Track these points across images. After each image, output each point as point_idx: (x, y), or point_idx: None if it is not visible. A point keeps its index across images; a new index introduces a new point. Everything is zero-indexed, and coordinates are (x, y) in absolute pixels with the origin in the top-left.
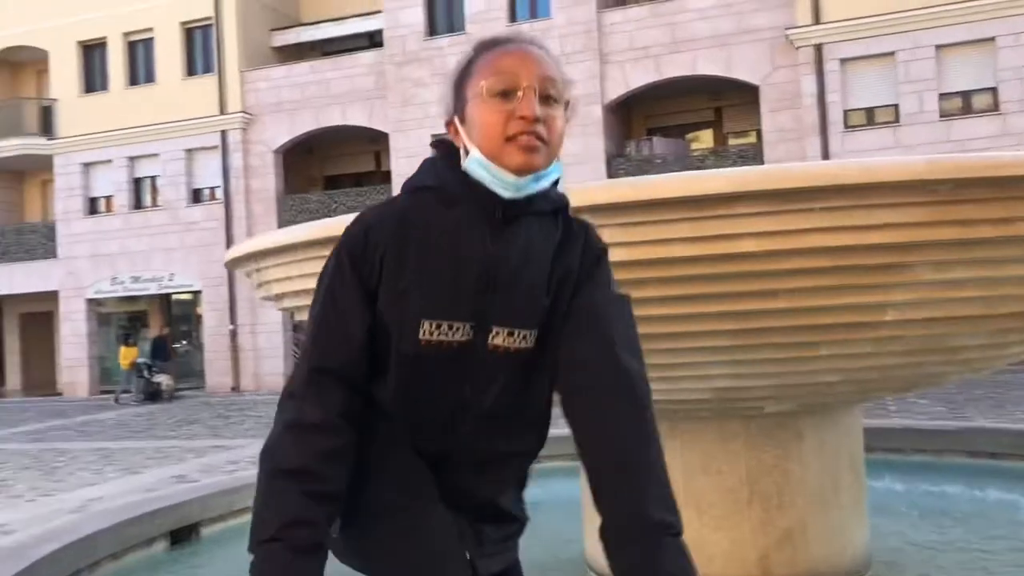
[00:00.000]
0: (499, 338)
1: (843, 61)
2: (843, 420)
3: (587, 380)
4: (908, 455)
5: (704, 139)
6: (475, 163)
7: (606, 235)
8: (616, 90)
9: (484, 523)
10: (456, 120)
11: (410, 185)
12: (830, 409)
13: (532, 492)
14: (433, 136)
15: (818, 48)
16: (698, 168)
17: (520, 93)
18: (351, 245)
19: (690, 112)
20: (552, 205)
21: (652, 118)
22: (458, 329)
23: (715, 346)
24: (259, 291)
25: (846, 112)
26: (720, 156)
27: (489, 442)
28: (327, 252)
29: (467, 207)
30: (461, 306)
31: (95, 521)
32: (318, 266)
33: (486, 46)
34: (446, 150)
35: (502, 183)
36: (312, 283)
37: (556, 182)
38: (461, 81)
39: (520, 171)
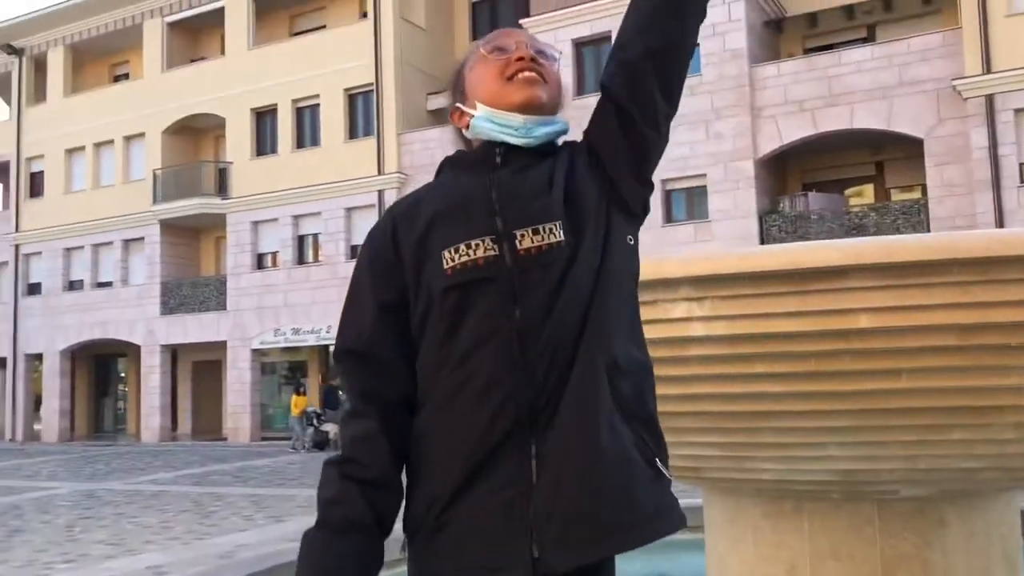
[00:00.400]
0: (526, 240)
1: (1018, 111)
2: (996, 506)
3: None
4: None
5: (866, 194)
6: (480, 118)
7: (707, 307)
8: (769, 145)
9: (585, 500)
10: (458, 104)
11: (434, 176)
12: (979, 495)
13: (657, 565)
14: None
15: (989, 98)
16: (857, 225)
17: (514, 46)
18: (367, 237)
19: (849, 166)
20: (553, 147)
21: (808, 172)
22: (478, 245)
23: (834, 426)
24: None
25: (1022, 165)
26: (881, 212)
27: (563, 370)
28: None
29: (474, 159)
30: (474, 225)
31: (233, 570)
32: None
33: (481, 42)
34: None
35: (510, 128)
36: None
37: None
38: (461, 69)
39: (526, 106)
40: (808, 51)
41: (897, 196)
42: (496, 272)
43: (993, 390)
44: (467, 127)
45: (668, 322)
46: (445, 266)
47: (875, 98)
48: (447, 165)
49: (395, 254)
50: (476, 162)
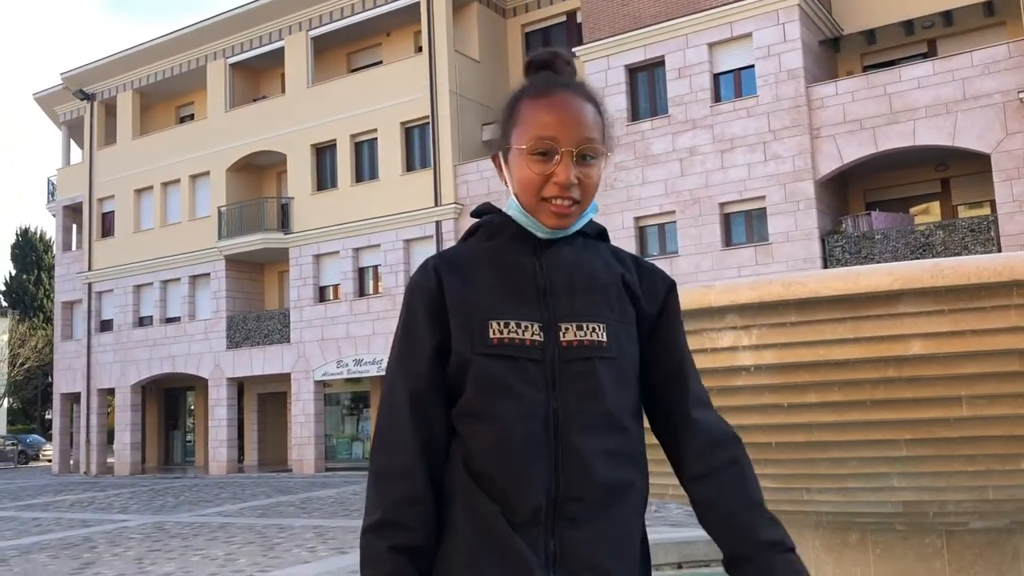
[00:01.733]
0: (570, 333)
1: None
2: None
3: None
4: None
5: (932, 212)
6: (514, 210)
7: (755, 336)
8: (829, 164)
9: (612, 568)
10: (500, 157)
11: (461, 238)
12: None
13: None
14: (635, 218)
15: None
16: (924, 243)
17: (558, 157)
18: (413, 283)
19: (913, 184)
20: (594, 230)
21: (872, 191)
22: (527, 328)
23: (892, 456)
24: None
25: None
26: (948, 230)
27: (591, 465)
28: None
29: (506, 234)
30: (525, 308)
31: None
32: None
33: (531, 91)
34: (483, 210)
35: (539, 229)
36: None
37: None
38: (508, 121)
39: (554, 229)
40: (867, 68)
41: (964, 213)
42: (541, 356)
43: None
44: (504, 182)
45: (714, 352)
46: (491, 335)
47: (938, 114)
48: (483, 231)
49: (442, 299)
50: (516, 235)
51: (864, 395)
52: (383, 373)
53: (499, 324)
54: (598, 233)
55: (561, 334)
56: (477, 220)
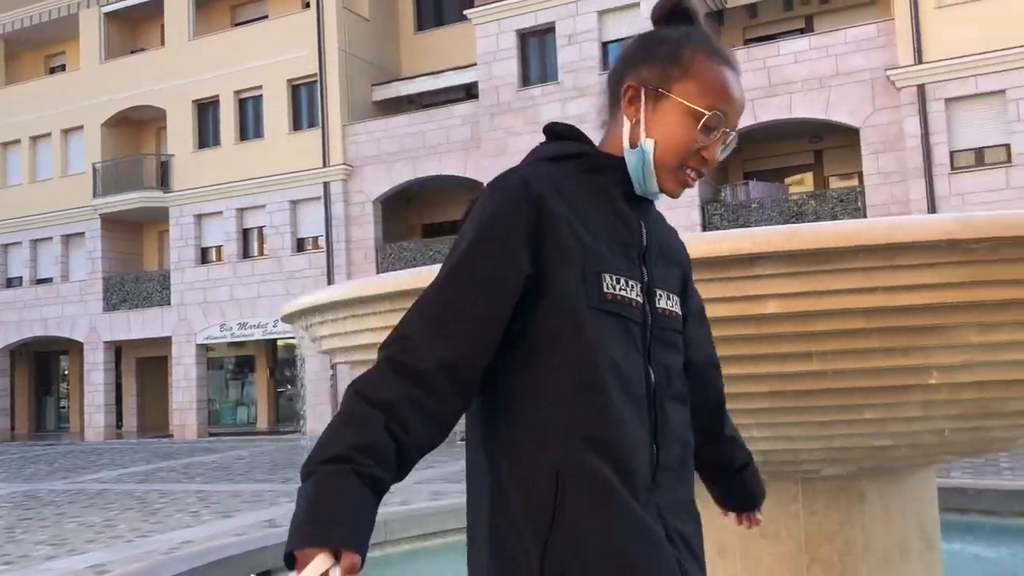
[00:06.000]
0: (663, 300)
1: (948, 101)
2: (911, 483)
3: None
4: (1006, 518)
5: (805, 182)
6: (638, 156)
7: None
8: None
9: (690, 532)
10: (643, 93)
11: (547, 154)
12: (895, 472)
13: None
14: None
15: (921, 88)
16: (797, 212)
17: (718, 134)
18: (506, 201)
19: (789, 155)
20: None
21: (750, 162)
22: (633, 287)
23: (751, 408)
24: (313, 344)
25: (952, 153)
26: (820, 200)
27: (679, 436)
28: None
29: (613, 175)
30: (631, 266)
31: (174, 565)
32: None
33: (707, 48)
34: (566, 132)
35: (644, 187)
36: (358, 340)
37: None
38: (671, 64)
39: (667, 195)
40: (748, 42)
41: (835, 184)
42: (642, 319)
43: (898, 370)
44: (630, 121)
45: None
46: (604, 288)
47: (813, 88)
48: (587, 161)
49: (540, 222)
50: (621, 181)
51: (727, 351)
52: (269, 337)
53: (612, 279)
54: None
55: (657, 300)
56: (562, 143)
